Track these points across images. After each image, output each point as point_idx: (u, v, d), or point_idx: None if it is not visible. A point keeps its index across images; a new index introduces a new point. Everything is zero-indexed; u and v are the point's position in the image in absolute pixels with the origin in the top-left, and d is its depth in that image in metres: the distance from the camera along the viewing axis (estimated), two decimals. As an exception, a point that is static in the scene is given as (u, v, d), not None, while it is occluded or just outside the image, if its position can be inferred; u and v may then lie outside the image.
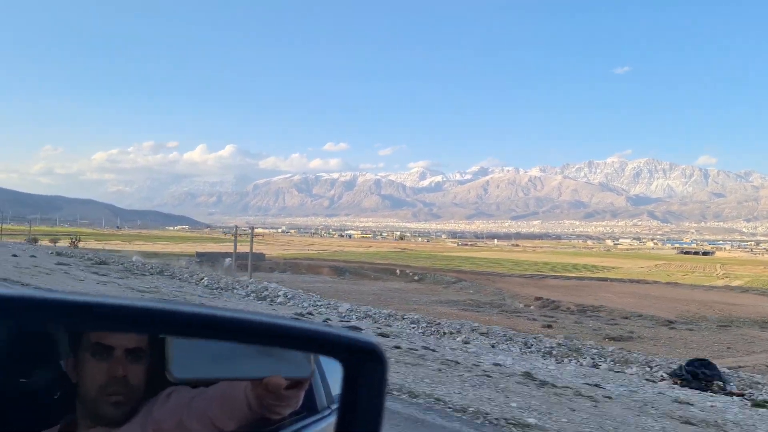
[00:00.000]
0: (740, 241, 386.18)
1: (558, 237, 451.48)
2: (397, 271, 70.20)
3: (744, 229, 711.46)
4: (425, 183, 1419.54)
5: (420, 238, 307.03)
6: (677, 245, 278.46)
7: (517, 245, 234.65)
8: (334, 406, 1.13)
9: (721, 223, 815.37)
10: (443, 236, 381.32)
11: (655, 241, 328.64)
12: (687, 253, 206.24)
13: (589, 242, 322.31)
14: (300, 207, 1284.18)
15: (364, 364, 0.96)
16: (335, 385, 1.10)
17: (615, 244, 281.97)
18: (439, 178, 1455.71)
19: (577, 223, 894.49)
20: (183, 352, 0.73)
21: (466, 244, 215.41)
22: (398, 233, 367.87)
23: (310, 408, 1.17)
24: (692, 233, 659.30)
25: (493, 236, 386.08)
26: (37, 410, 1.01)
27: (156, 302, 0.84)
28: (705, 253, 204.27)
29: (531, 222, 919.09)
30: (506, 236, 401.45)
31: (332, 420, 1.10)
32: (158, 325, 0.86)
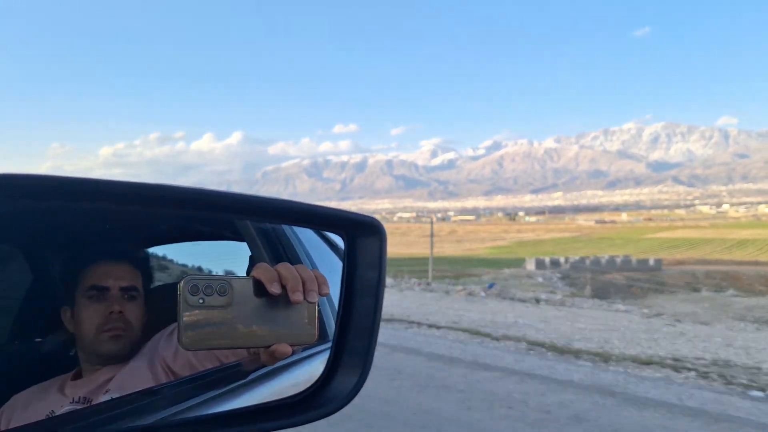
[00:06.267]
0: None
1: (616, 209, 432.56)
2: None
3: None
4: (437, 161, 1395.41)
5: (529, 218, 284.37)
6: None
7: (650, 219, 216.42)
8: None
9: (751, 184, 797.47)
10: (526, 213, 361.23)
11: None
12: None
13: (678, 211, 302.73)
14: (311, 192, 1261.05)
15: (364, 238, 1.03)
16: None
17: (719, 212, 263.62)
18: (451, 155, 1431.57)
19: (600, 192, 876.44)
20: (193, 323, 0.70)
21: (603, 222, 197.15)
22: (501, 214, 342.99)
23: (322, 336, 1.18)
24: (725, 196, 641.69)
25: (567, 210, 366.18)
26: (52, 368, 1.00)
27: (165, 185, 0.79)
28: None
29: (552, 195, 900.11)
30: (570, 210, 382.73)
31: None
32: (173, 203, 0.82)
